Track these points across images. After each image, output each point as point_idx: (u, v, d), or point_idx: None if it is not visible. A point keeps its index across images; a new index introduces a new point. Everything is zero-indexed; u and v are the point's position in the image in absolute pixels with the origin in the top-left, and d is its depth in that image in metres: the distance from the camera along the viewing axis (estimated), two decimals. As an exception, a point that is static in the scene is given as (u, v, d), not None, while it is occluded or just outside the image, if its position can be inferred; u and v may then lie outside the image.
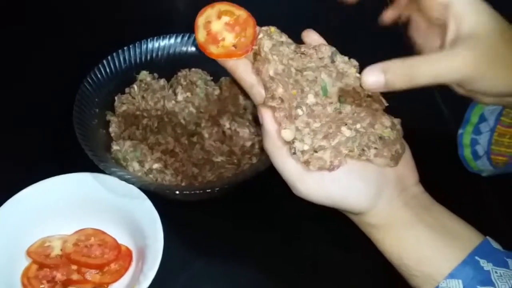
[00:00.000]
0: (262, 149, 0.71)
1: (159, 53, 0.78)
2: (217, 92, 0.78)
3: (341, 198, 0.46)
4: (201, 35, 0.50)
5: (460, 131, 0.65)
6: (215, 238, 0.68)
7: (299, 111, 0.46)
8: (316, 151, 0.45)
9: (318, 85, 0.47)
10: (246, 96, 0.77)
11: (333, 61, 0.49)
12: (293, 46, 0.49)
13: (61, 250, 0.65)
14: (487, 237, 0.47)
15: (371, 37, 0.78)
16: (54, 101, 0.80)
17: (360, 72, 0.47)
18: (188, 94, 0.77)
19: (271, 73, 0.47)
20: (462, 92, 0.44)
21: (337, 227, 0.68)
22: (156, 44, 0.78)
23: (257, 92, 0.48)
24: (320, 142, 0.45)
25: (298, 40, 0.52)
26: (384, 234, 0.48)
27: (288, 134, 0.45)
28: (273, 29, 0.50)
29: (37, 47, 0.90)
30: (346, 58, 0.49)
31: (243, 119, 0.76)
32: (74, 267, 0.64)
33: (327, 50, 0.49)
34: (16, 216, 0.64)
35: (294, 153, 0.45)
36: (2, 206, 0.64)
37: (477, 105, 0.65)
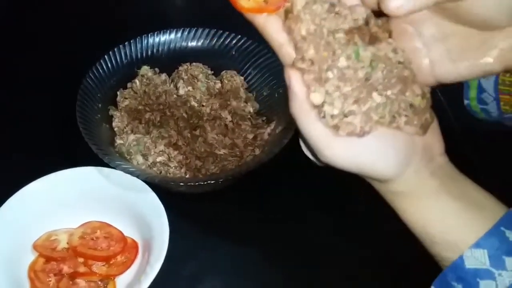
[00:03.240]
0: (265, 141, 0.73)
1: (160, 48, 0.79)
2: (218, 85, 0.79)
3: (369, 165, 0.45)
4: None
5: (465, 101, 0.64)
6: (220, 229, 0.69)
7: (330, 74, 0.44)
8: (346, 116, 0.43)
9: (351, 48, 0.45)
10: (247, 89, 0.78)
11: (367, 24, 0.46)
12: (326, 5, 0.46)
13: (67, 243, 0.65)
14: (511, 208, 0.46)
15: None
16: (58, 97, 0.80)
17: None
18: (190, 88, 0.78)
19: (303, 32, 0.45)
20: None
21: (341, 216, 0.69)
22: (157, 39, 0.78)
23: (286, 52, 0.46)
24: (351, 106, 0.44)
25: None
26: (408, 203, 0.47)
27: (317, 97, 0.44)
28: None
29: (39, 44, 0.90)
30: (380, 21, 0.47)
31: (244, 112, 0.76)
32: (81, 259, 0.64)
33: (362, 11, 0.47)
34: (22, 210, 0.65)
35: (324, 117, 0.44)
36: (8, 201, 0.64)
37: None
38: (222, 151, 0.73)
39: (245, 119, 0.75)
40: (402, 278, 0.63)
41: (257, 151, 0.72)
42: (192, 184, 0.66)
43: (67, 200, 0.67)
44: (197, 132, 0.74)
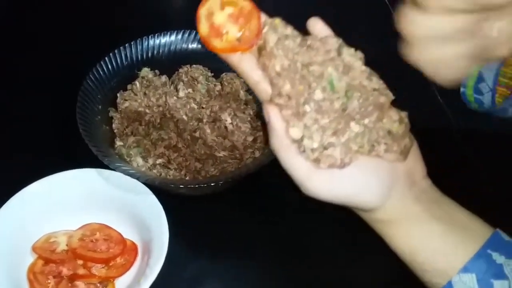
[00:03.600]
0: (265, 143, 0.72)
1: (160, 50, 0.78)
2: (218, 88, 0.79)
3: (352, 196, 0.45)
4: (203, 27, 0.47)
5: (461, 89, 0.64)
6: (220, 231, 0.69)
7: (307, 108, 0.44)
8: (326, 148, 0.44)
9: (325, 80, 0.45)
10: (247, 91, 0.78)
11: (339, 54, 0.47)
12: (298, 39, 0.47)
13: (66, 245, 0.65)
14: (497, 229, 0.46)
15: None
16: (58, 98, 0.80)
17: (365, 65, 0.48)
18: (190, 90, 0.78)
19: (278, 68, 0.45)
20: None
21: (342, 219, 0.69)
22: (157, 41, 0.78)
23: (263, 88, 0.46)
24: (330, 138, 0.44)
25: (303, 27, 0.50)
26: (395, 230, 0.47)
27: (296, 132, 0.44)
28: (277, 21, 0.47)
29: (39, 45, 0.90)
30: (352, 50, 0.48)
31: (244, 114, 0.76)
32: (80, 262, 0.64)
33: (333, 42, 0.47)
34: (21, 212, 0.65)
35: (304, 151, 0.44)
36: (7, 203, 0.64)
37: None
38: (222, 153, 0.73)
39: (245, 122, 0.75)
40: (401, 282, 0.63)
41: (257, 154, 0.72)
42: (192, 186, 0.66)
43: (67, 202, 0.67)
44: (197, 134, 0.74)
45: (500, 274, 0.44)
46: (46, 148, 0.76)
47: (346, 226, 0.65)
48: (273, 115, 0.45)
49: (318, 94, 0.45)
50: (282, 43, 0.46)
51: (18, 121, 0.80)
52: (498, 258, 0.44)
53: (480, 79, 0.64)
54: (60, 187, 0.67)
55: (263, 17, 0.47)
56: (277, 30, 0.47)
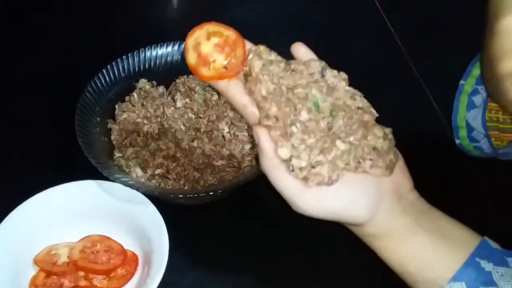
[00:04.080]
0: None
1: (157, 61, 0.79)
2: (215, 97, 0.79)
3: (342, 211, 0.47)
4: (191, 57, 0.50)
5: (457, 141, 0.65)
6: (219, 240, 0.69)
7: (294, 128, 0.46)
8: (313, 167, 0.45)
9: (310, 101, 0.47)
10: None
11: (323, 76, 0.49)
12: (282, 64, 0.49)
13: (68, 257, 0.65)
14: (485, 237, 0.47)
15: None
16: (56, 111, 0.81)
17: (349, 85, 0.49)
18: (187, 100, 0.78)
19: (264, 92, 0.47)
20: None
21: (340, 226, 0.69)
22: (154, 53, 0.79)
23: (251, 112, 0.48)
24: (317, 157, 0.46)
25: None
26: (385, 243, 0.49)
27: (284, 152, 0.46)
28: (262, 48, 0.50)
29: (37, 58, 0.91)
30: (335, 72, 0.50)
31: (241, 123, 0.77)
32: (82, 273, 0.64)
33: (316, 65, 0.49)
34: (22, 225, 0.65)
35: (292, 170, 0.46)
36: (8, 216, 0.65)
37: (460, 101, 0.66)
38: (220, 162, 0.73)
39: (242, 130, 0.76)
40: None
41: (255, 162, 0.72)
42: (191, 195, 0.66)
43: (67, 214, 0.67)
44: (195, 144, 0.75)
45: (489, 281, 0.45)
46: (46, 161, 0.77)
47: (346, 233, 0.65)
48: (262, 137, 0.47)
49: (304, 115, 0.46)
50: (267, 68, 0.48)
51: (17, 134, 0.80)
52: (487, 265, 0.45)
53: (470, 128, 0.65)
54: (60, 199, 0.67)
55: (248, 44, 0.50)
56: (261, 57, 0.49)
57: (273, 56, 0.49)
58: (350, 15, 0.94)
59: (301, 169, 0.45)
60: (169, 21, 0.98)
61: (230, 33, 0.50)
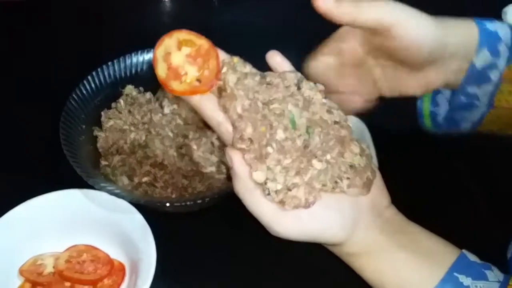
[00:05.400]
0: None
1: (144, 67, 0.78)
2: (203, 103, 0.78)
3: (319, 233, 0.46)
4: (161, 70, 0.46)
5: (418, 101, 0.65)
6: (208, 248, 0.69)
7: (269, 149, 0.45)
8: (290, 189, 0.44)
9: (286, 118, 0.45)
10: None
11: (299, 88, 0.47)
12: (257, 77, 0.47)
13: (53, 267, 0.64)
14: (463, 250, 0.47)
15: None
16: (40, 118, 0.80)
17: (325, 97, 0.48)
18: (175, 106, 0.77)
19: (239, 110, 0.45)
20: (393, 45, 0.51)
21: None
22: (141, 58, 0.78)
23: (225, 130, 0.47)
24: (293, 179, 0.44)
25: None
26: (363, 261, 0.48)
27: (260, 176, 0.44)
28: (236, 59, 0.47)
29: (22, 65, 0.90)
30: (312, 83, 0.48)
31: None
32: (68, 284, 0.63)
33: (292, 77, 0.48)
34: (7, 235, 0.64)
35: (268, 194, 0.44)
36: (-8, 227, 0.64)
37: None
38: (209, 169, 0.72)
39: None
40: None
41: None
42: (179, 204, 0.66)
43: (53, 223, 0.66)
44: (183, 151, 0.74)
45: None
46: (30, 170, 0.76)
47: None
48: (235, 160, 0.46)
49: (280, 134, 0.45)
50: (242, 82, 0.46)
51: (0, 142, 0.79)
52: (465, 280, 0.45)
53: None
54: (45, 209, 0.66)
55: (221, 54, 0.47)
56: (236, 70, 0.46)
57: (248, 68, 0.47)
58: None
59: (277, 192, 0.44)
60: (156, 26, 0.97)
61: (203, 42, 0.46)
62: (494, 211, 0.71)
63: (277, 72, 0.49)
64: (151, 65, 0.78)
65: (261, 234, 0.69)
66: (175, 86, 0.46)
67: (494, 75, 0.54)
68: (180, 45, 0.46)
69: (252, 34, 0.80)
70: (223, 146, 0.74)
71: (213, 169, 0.72)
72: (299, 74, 0.48)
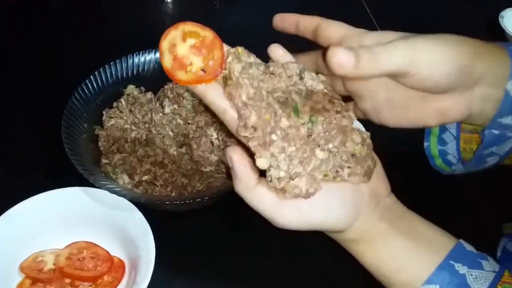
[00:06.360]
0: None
1: (145, 67, 0.79)
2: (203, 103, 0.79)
3: (321, 222, 0.47)
4: (167, 60, 0.47)
5: (425, 144, 0.65)
6: (207, 246, 0.69)
7: (274, 136, 0.45)
8: (292, 178, 0.45)
9: (290, 106, 0.46)
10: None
11: (301, 78, 0.48)
12: (262, 67, 0.48)
13: (54, 264, 0.65)
14: (460, 240, 0.48)
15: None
16: (43, 117, 0.81)
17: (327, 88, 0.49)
18: (175, 106, 0.78)
19: (244, 98, 0.45)
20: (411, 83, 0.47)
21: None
22: (142, 58, 0.79)
23: (230, 117, 0.47)
24: (296, 168, 0.45)
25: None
26: (362, 247, 0.49)
27: (263, 163, 0.45)
28: (240, 49, 0.48)
29: (24, 64, 0.91)
30: (314, 74, 0.49)
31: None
32: (68, 280, 0.64)
33: (294, 67, 0.48)
34: (8, 232, 0.65)
35: (271, 180, 0.45)
36: (-6, 223, 0.64)
37: None
38: (208, 168, 0.73)
39: (231, 136, 0.76)
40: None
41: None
42: (178, 202, 0.66)
43: (53, 221, 0.67)
44: (183, 150, 0.74)
45: (463, 284, 0.45)
46: (31, 168, 0.77)
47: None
48: (236, 160, 0.46)
49: (285, 122, 0.46)
50: (247, 71, 0.46)
51: (2, 140, 0.80)
52: (461, 268, 0.46)
53: (442, 128, 0.64)
54: (46, 206, 0.67)
55: (225, 46, 0.48)
56: (240, 59, 0.47)
57: (252, 58, 0.48)
58: (336, 14, 0.94)
59: (279, 179, 0.45)
60: (158, 27, 0.97)
61: (207, 34, 0.47)
62: (490, 208, 0.72)
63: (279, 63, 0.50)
64: (152, 66, 0.79)
65: (260, 233, 0.70)
66: (181, 75, 0.47)
67: None
68: (185, 36, 0.47)
69: (254, 34, 0.80)
70: (222, 145, 0.75)
71: (212, 168, 0.73)
72: (301, 65, 0.49)
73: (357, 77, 0.45)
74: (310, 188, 0.45)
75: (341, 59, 0.43)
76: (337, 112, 0.47)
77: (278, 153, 0.45)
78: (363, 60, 0.44)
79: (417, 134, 0.65)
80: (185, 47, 0.47)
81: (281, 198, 0.46)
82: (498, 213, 0.71)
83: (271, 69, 0.48)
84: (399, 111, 0.51)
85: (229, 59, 0.47)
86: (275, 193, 0.46)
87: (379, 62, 0.44)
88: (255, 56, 0.48)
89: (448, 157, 0.63)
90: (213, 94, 0.47)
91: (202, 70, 0.47)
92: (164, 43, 0.47)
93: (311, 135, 0.46)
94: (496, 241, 0.64)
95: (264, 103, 0.46)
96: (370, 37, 0.49)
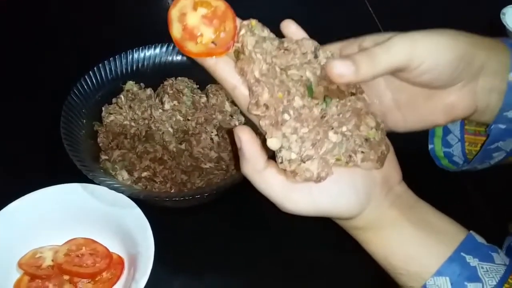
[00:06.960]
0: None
1: (145, 63, 0.79)
2: (203, 99, 0.79)
3: (331, 208, 0.45)
4: (176, 30, 0.44)
5: (430, 146, 0.65)
6: (206, 243, 0.69)
7: (286, 116, 0.43)
8: (303, 161, 0.43)
9: (304, 84, 0.44)
10: (232, 102, 0.79)
11: (316, 56, 0.46)
12: (276, 42, 0.46)
13: (52, 260, 0.65)
14: (471, 231, 0.47)
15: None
16: (42, 112, 0.80)
17: None
18: (175, 102, 0.78)
19: (257, 74, 0.43)
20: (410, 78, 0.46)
21: (330, 228, 0.69)
22: (142, 54, 0.78)
23: (240, 94, 0.45)
24: (308, 151, 0.43)
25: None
26: (370, 235, 0.48)
27: (274, 143, 0.43)
28: (254, 22, 0.45)
29: (24, 60, 0.90)
30: (329, 53, 0.47)
31: (230, 125, 0.76)
32: (66, 277, 0.64)
33: (309, 44, 0.46)
34: (6, 228, 0.64)
35: (281, 162, 0.43)
36: (-8, 219, 0.64)
37: None
38: (208, 165, 0.73)
39: (230, 133, 0.75)
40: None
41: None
42: (177, 199, 0.66)
43: (52, 217, 0.66)
44: (183, 146, 0.74)
45: (473, 276, 0.44)
46: (30, 164, 0.76)
47: (338, 236, 0.65)
48: (244, 140, 0.44)
49: (298, 101, 0.44)
50: (260, 46, 0.44)
51: (1, 136, 0.80)
52: (472, 260, 0.45)
53: (446, 130, 0.64)
54: (45, 202, 0.66)
55: (237, 19, 0.46)
56: (254, 32, 0.45)
57: (266, 32, 0.46)
58: (339, 15, 0.94)
59: (290, 161, 0.43)
60: (157, 22, 0.96)
61: (219, 3, 0.45)
62: (491, 211, 0.72)
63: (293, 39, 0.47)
64: (152, 61, 0.79)
65: (259, 229, 0.70)
66: (190, 47, 0.44)
67: None
68: (196, 5, 0.44)
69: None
70: (222, 142, 0.74)
71: (212, 164, 0.73)
72: (316, 42, 0.47)
73: (361, 81, 0.44)
74: (322, 172, 0.43)
75: (340, 70, 0.42)
76: (352, 94, 0.45)
77: (290, 133, 0.43)
78: (362, 65, 0.43)
79: (420, 136, 0.65)
80: (196, 17, 0.44)
81: (291, 181, 0.44)
82: (501, 213, 0.70)
83: (285, 44, 0.45)
84: (407, 111, 0.50)
85: (242, 31, 0.45)
86: (285, 176, 0.44)
87: (378, 62, 0.43)
88: (269, 30, 0.46)
89: (454, 158, 0.62)
90: (224, 69, 0.45)
91: (213, 42, 0.44)
92: (174, 11, 0.44)
93: (325, 116, 0.44)
94: (497, 241, 0.64)
95: (277, 81, 0.44)
96: (369, 40, 0.48)
